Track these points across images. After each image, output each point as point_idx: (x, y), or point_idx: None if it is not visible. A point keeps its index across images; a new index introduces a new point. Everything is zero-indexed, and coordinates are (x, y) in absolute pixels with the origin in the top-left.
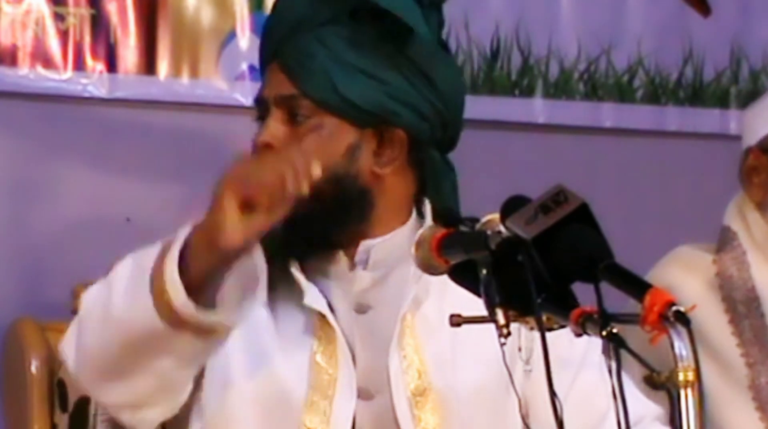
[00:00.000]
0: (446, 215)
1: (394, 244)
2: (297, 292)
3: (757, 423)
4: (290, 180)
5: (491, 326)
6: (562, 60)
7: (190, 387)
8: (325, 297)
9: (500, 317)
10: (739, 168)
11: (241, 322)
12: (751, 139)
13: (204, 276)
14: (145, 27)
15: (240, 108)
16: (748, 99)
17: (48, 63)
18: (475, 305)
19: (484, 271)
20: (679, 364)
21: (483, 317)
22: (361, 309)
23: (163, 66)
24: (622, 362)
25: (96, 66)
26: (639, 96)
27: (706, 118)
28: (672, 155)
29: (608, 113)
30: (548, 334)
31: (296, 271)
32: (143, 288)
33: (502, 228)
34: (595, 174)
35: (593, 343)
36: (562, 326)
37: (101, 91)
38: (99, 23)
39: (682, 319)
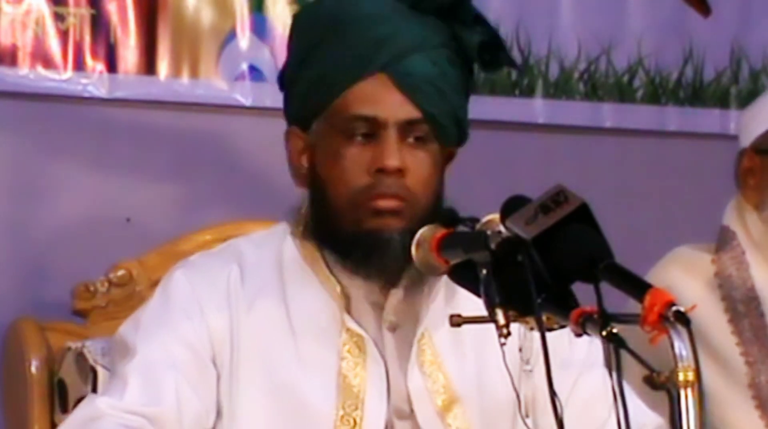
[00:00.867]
0: (446, 215)
1: None
2: (317, 284)
3: (756, 422)
4: None
5: (513, 337)
6: (562, 60)
7: None
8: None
9: (500, 317)
10: (735, 170)
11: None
12: (746, 140)
13: None
14: (145, 27)
15: (240, 108)
16: (748, 99)
17: (48, 63)
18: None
19: (484, 271)
20: (679, 364)
21: (483, 317)
22: (392, 327)
23: (163, 66)
24: (622, 363)
25: (96, 66)
26: (639, 96)
27: (706, 118)
28: (672, 155)
29: (608, 113)
30: (549, 335)
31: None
32: None
33: (502, 228)
34: (595, 174)
35: (594, 345)
36: (562, 326)
37: (101, 91)
38: (99, 23)
39: (682, 319)
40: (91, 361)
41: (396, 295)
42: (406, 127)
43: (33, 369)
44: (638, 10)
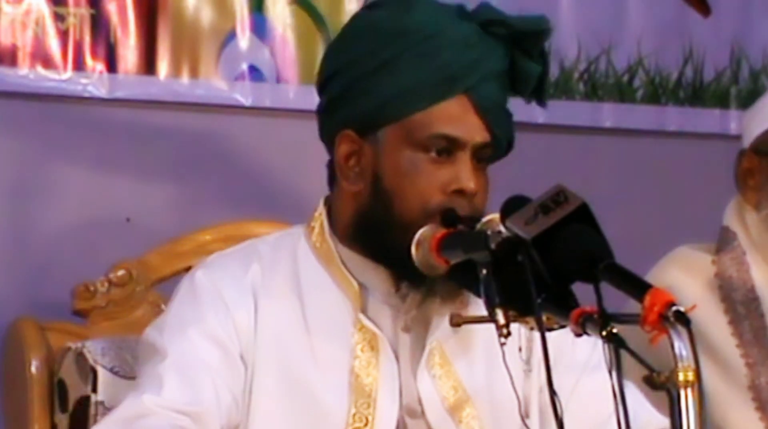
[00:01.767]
0: (446, 215)
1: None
2: (332, 284)
3: (756, 423)
4: None
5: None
6: (562, 60)
7: None
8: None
9: (500, 317)
10: (734, 171)
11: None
12: (745, 141)
13: None
14: (145, 27)
15: (240, 108)
16: (748, 99)
17: (48, 63)
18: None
19: (484, 271)
20: (679, 364)
21: (483, 317)
22: (407, 328)
23: (163, 66)
24: (621, 363)
25: (96, 66)
26: (639, 96)
27: (706, 118)
28: (672, 155)
29: (608, 113)
30: (551, 336)
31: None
32: None
33: (502, 228)
34: (595, 174)
35: (598, 347)
36: (562, 326)
37: (101, 91)
38: (99, 23)
39: (682, 319)
40: (91, 361)
41: (415, 298)
42: (478, 150)
43: (33, 369)
44: (638, 10)
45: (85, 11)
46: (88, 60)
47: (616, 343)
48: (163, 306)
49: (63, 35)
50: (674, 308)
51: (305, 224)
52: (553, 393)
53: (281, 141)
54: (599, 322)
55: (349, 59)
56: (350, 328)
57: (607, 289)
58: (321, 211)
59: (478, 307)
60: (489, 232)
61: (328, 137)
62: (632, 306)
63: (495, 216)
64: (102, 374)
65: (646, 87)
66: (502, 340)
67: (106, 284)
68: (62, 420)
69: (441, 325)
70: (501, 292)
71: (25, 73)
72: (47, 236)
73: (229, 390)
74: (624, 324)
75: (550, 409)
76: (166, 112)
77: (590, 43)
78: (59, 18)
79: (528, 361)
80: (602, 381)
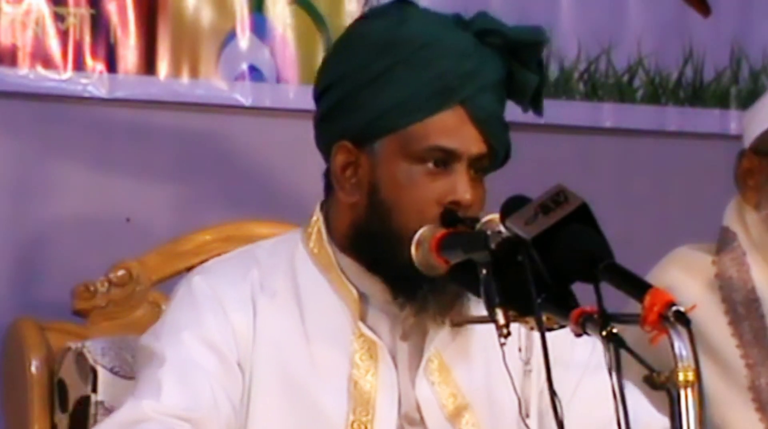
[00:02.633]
0: (446, 215)
1: None
2: (331, 291)
3: (756, 424)
4: None
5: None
6: (562, 60)
7: None
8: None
9: (500, 317)
10: (734, 171)
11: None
12: (746, 141)
13: None
14: (145, 27)
15: (240, 108)
16: (748, 99)
17: (48, 63)
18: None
19: (484, 271)
20: (679, 364)
21: (483, 317)
22: (404, 336)
23: (163, 66)
24: (621, 363)
25: (96, 66)
26: (639, 96)
27: (706, 118)
28: (672, 155)
29: (608, 113)
30: (550, 336)
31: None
32: None
33: (502, 228)
34: (595, 174)
35: (598, 347)
36: (562, 326)
37: (101, 91)
38: (99, 23)
39: (682, 319)
40: (91, 361)
41: (412, 305)
42: (475, 161)
43: (33, 369)
44: (638, 10)
45: (85, 11)
46: (88, 60)
47: (616, 343)
48: (163, 306)
49: (63, 35)
50: (674, 308)
51: (302, 230)
52: (553, 393)
53: (281, 141)
54: (599, 322)
55: (345, 70)
56: (349, 336)
57: (607, 289)
58: (318, 217)
59: (474, 312)
60: (489, 232)
61: (324, 146)
62: (632, 306)
63: (495, 216)
64: (102, 374)
65: (646, 87)
66: (502, 340)
67: (106, 284)
68: (62, 420)
69: (439, 333)
70: (501, 292)
71: (25, 73)
72: (47, 236)
73: (227, 395)
74: (624, 324)
75: (548, 411)
76: (166, 112)
77: (590, 43)
78: (59, 18)
79: (528, 362)
80: (603, 382)
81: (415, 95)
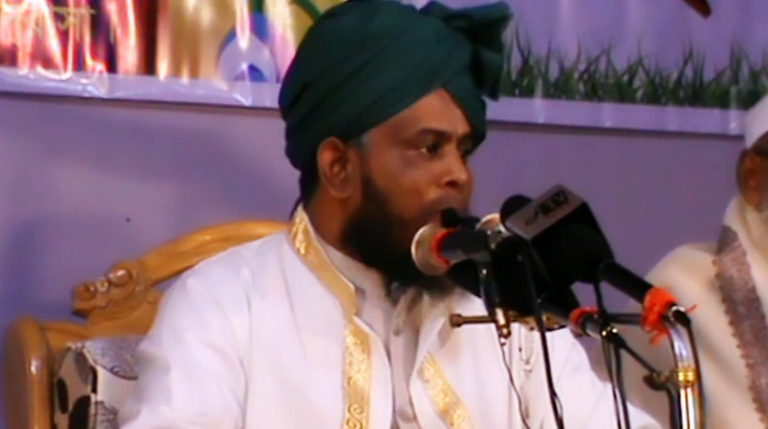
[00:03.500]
0: (446, 215)
1: None
2: (322, 287)
3: (757, 424)
4: None
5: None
6: (562, 60)
7: None
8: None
9: (500, 317)
10: (736, 171)
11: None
12: (747, 141)
13: None
14: (145, 27)
15: (240, 108)
16: (748, 99)
17: (48, 63)
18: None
19: (484, 271)
20: (679, 364)
21: (483, 317)
22: (397, 331)
23: (163, 66)
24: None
25: (96, 66)
26: (639, 96)
27: (706, 118)
28: (672, 155)
29: (608, 113)
30: (530, 335)
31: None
32: None
33: (502, 228)
34: (595, 174)
35: (576, 349)
36: (562, 326)
37: (101, 91)
38: (99, 23)
39: (682, 319)
40: (91, 361)
41: (405, 300)
42: (462, 141)
43: (33, 369)
44: (638, 10)
45: (85, 11)
46: (88, 60)
47: (616, 343)
48: None
49: (63, 35)
50: (674, 308)
51: (285, 231)
52: (553, 393)
53: (281, 141)
54: (599, 322)
55: (322, 69)
56: (342, 331)
57: (607, 289)
58: (302, 218)
59: (464, 309)
60: (489, 232)
61: (304, 151)
62: (632, 306)
63: (495, 216)
64: (102, 374)
65: (646, 87)
66: (502, 340)
67: (106, 284)
68: (62, 420)
69: (432, 329)
70: (501, 292)
71: (25, 73)
72: (47, 236)
73: (234, 396)
74: (624, 324)
75: (538, 411)
76: (166, 112)
77: (590, 43)
78: (59, 18)
79: (528, 361)
80: (582, 383)
81: (400, 84)
